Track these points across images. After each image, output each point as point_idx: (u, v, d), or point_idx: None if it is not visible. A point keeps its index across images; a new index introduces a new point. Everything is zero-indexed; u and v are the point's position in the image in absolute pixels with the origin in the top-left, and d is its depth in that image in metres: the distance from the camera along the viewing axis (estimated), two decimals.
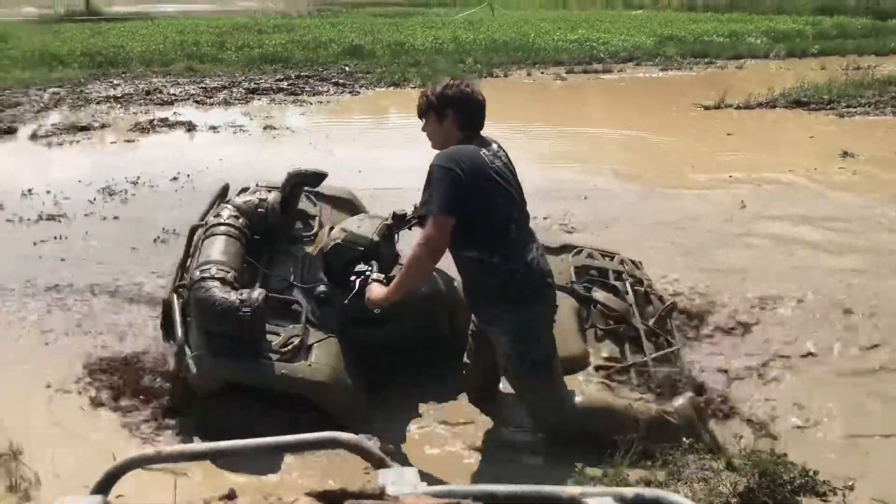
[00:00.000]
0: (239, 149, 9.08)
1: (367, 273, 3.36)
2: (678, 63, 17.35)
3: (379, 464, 1.04)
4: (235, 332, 3.39)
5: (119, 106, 11.94)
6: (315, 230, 4.20)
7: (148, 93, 12.93)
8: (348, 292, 3.37)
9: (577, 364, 3.68)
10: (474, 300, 3.29)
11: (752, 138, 10.17)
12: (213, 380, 3.45)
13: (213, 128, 10.32)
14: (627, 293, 4.17)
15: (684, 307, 4.82)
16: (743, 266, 5.59)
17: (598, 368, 3.68)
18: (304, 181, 4.11)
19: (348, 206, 4.63)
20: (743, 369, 4.24)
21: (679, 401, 3.50)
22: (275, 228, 4.09)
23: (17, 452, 3.19)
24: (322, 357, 3.53)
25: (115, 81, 14.27)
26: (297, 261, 3.97)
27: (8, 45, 18.27)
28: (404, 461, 3.37)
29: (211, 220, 4.01)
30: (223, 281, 3.50)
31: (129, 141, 9.70)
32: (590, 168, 8.48)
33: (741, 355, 4.39)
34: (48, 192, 7.22)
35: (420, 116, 3.31)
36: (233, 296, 3.39)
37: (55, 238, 6.08)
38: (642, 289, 4.32)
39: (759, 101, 12.03)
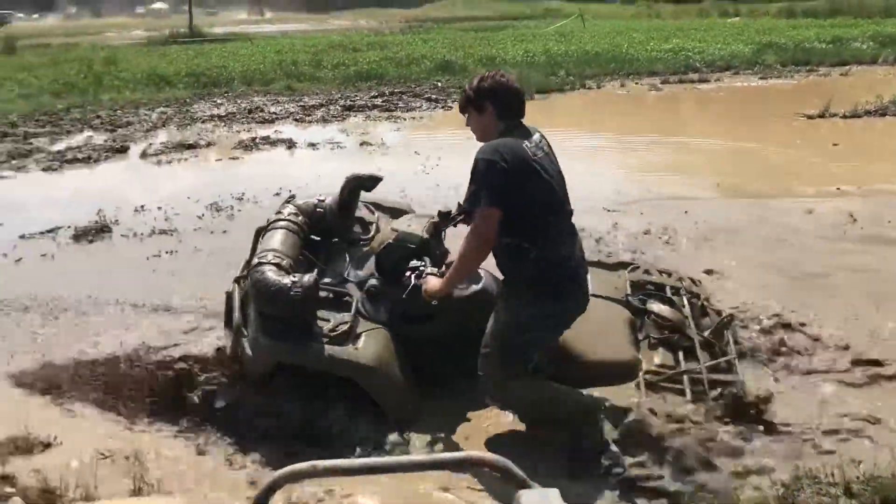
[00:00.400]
0: (337, 165, 9.27)
1: (422, 268, 3.56)
2: (778, 71, 16.85)
3: (521, 484, 1.06)
4: (287, 313, 3.53)
5: (223, 124, 12.40)
6: (372, 235, 4.31)
7: (250, 111, 13.39)
8: (400, 288, 3.55)
9: (628, 371, 3.69)
10: (504, 285, 3.39)
11: (861, 148, 9.78)
12: (265, 360, 3.61)
13: (312, 145, 10.59)
14: (683, 306, 4.17)
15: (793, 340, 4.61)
16: (856, 286, 5.33)
17: (648, 374, 3.66)
18: (360, 185, 4.26)
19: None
20: (855, 393, 4.05)
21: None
22: (333, 230, 4.25)
23: (138, 456, 3.35)
24: (370, 344, 3.62)
25: (219, 101, 14.83)
26: (352, 259, 4.12)
27: (119, 67, 19.24)
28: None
29: (272, 217, 4.22)
30: (279, 266, 3.66)
31: (233, 158, 10.05)
32: (690, 180, 8.32)
33: (852, 381, 4.18)
34: (159, 208, 7.56)
35: (462, 112, 3.40)
36: (286, 279, 3.55)
37: (167, 253, 6.34)
38: (699, 302, 4.31)
39: (866, 109, 11.56)
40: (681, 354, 3.83)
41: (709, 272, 5.49)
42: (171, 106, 14.28)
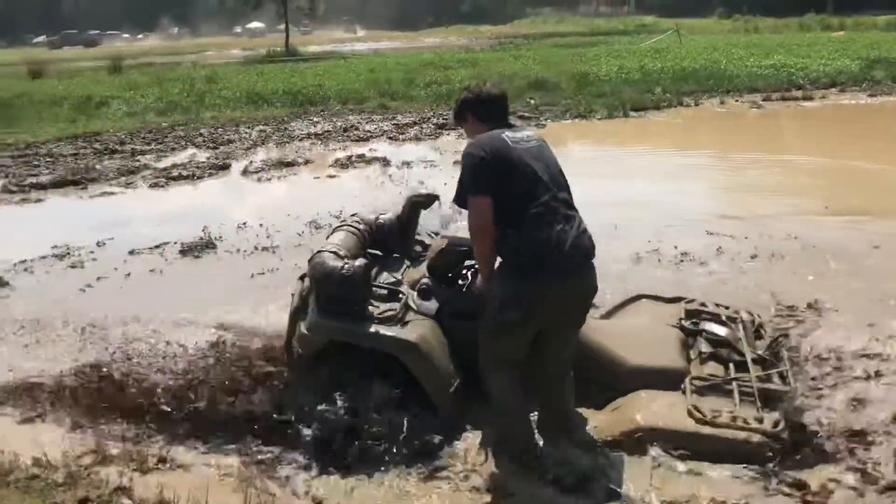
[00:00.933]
0: (430, 183, 9.31)
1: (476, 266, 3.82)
2: (889, 87, 16.16)
3: None
4: (339, 292, 3.73)
5: (319, 142, 12.65)
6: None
7: (345, 130, 13.61)
8: (451, 288, 3.95)
9: (674, 377, 3.80)
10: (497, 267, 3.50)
11: None
12: (317, 337, 3.80)
13: (407, 163, 10.65)
14: (738, 329, 4.24)
15: None
16: None
17: (696, 380, 3.76)
18: (419, 203, 4.49)
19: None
20: None
21: None
22: (392, 246, 4.44)
23: (253, 478, 3.39)
24: (415, 327, 3.78)
25: (315, 119, 15.15)
26: (408, 266, 4.33)
27: (219, 85, 19.92)
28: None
29: (336, 223, 4.49)
30: (336, 254, 3.87)
31: (330, 176, 10.20)
32: (796, 201, 7.98)
33: None
34: (261, 224, 7.72)
35: (457, 126, 3.76)
36: (340, 262, 3.78)
37: (269, 270, 6.43)
38: (753, 327, 4.38)
39: None
40: (731, 367, 3.91)
41: (811, 306, 5.21)
42: (269, 124, 14.66)
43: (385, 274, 4.14)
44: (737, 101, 15.54)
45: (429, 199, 4.48)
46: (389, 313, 3.77)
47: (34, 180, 10.32)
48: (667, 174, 9.53)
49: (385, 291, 3.94)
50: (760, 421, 3.47)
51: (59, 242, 7.37)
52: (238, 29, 77.45)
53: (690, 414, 3.52)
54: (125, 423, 4.02)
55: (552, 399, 3.65)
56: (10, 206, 9.32)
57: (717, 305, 4.58)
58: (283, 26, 44.79)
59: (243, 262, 6.74)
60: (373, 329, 3.70)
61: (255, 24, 74.21)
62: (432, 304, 3.93)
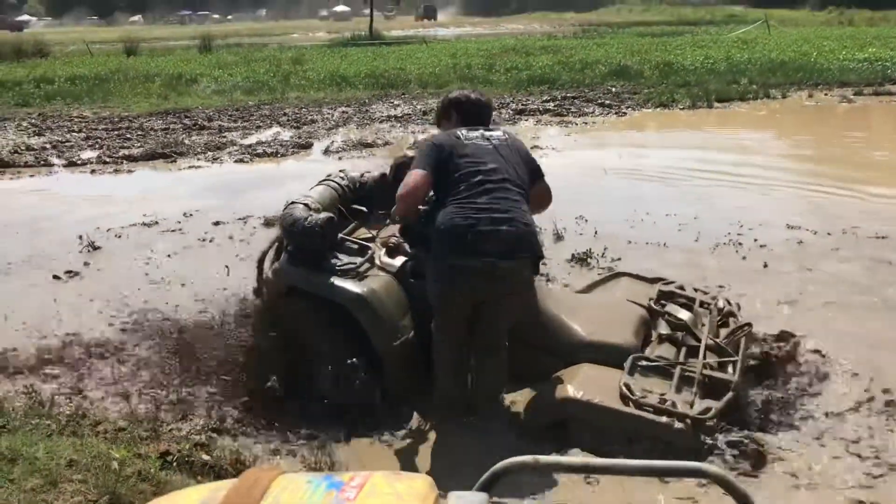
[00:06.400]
0: None
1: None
2: None
3: (742, 500, 1.04)
4: (301, 242, 3.88)
5: (399, 125, 12.81)
6: None
7: (425, 113, 13.72)
8: (417, 248, 3.91)
9: (624, 355, 3.71)
10: None
11: None
12: (279, 283, 4.02)
13: None
14: (705, 316, 4.19)
15: None
16: None
17: (641, 360, 3.69)
18: (404, 163, 4.45)
19: None
20: None
21: None
22: (377, 202, 4.44)
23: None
24: (371, 282, 3.86)
25: (395, 102, 15.33)
26: (387, 224, 4.36)
27: (304, 66, 20.32)
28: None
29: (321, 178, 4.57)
30: (307, 206, 3.99)
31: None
32: (887, 203, 7.69)
33: None
34: None
35: (437, 124, 4.09)
36: (306, 214, 3.90)
37: None
38: (719, 316, 4.27)
39: None
40: (683, 351, 3.87)
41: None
42: (351, 105, 14.91)
43: (362, 230, 4.27)
44: (826, 94, 15.08)
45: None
46: (350, 266, 3.91)
47: (126, 152, 10.78)
48: (749, 167, 9.34)
49: (356, 246, 4.07)
50: (690, 406, 3.38)
51: (148, 211, 7.71)
52: (324, 12, 78.67)
53: (620, 391, 3.46)
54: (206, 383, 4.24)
55: (476, 377, 3.75)
56: (103, 176, 9.77)
57: (696, 290, 4.55)
58: (367, 10, 45.28)
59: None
60: (329, 280, 3.85)
61: (340, 8, 75.20)
62: (396, 262, 4.03)
